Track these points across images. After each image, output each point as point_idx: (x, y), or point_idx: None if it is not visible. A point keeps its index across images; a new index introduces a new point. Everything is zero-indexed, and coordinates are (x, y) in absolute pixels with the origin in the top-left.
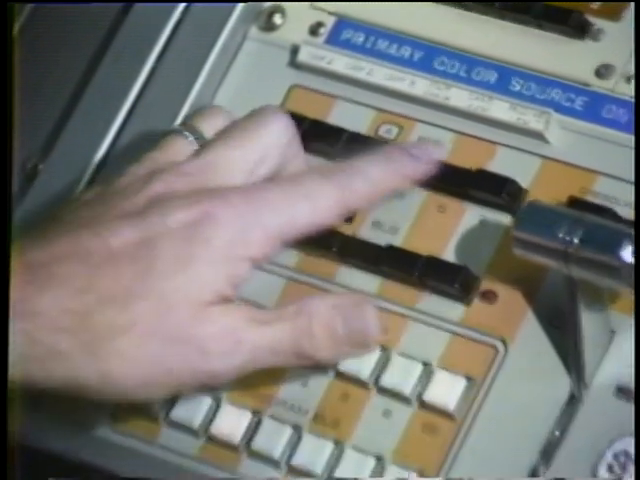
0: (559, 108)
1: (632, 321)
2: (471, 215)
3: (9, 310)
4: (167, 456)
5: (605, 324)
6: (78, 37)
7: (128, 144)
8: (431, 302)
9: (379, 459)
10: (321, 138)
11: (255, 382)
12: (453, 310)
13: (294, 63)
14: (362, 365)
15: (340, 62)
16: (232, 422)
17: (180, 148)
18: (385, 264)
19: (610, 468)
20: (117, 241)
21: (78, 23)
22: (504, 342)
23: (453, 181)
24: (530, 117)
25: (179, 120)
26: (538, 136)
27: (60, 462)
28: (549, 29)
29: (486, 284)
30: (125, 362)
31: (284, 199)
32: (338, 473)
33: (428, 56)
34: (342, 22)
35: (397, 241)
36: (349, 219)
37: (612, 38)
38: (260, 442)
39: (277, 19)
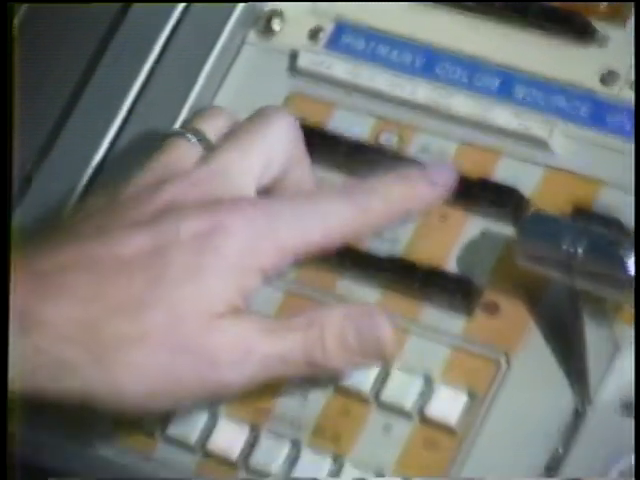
0: (563, 115)
1: (635, 333)
2: (473, 225)
3: (15, 320)
4: (163, 472)
5: (609, 338)
6: (75, 38)
7: (127, 146)
8: (432, 314)
9: (379, 475)
10: (320, 146)
11: (253, 396)
12: (455, 322)
13: (293, 69)
14: (362, 379)
15: (340, 68)
16: (229, 437)
17: (184, 152)
18: (385, 275)
19: None
20: (126, 250)
21: (76, 23)
22: (507, 356)
23: (455, 190)
24: (533, 124)
25: (178, 123)
26: (541, 144)
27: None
28: (553, 34)
29: (488, 296)
30: (134, 373)
31: (298, 213)
32: None
33: (429, 62)
34: (342, 27)
35: (397, 251)
36: None
37: (617, 44)
38: (258, 457)
39: (276, 24)
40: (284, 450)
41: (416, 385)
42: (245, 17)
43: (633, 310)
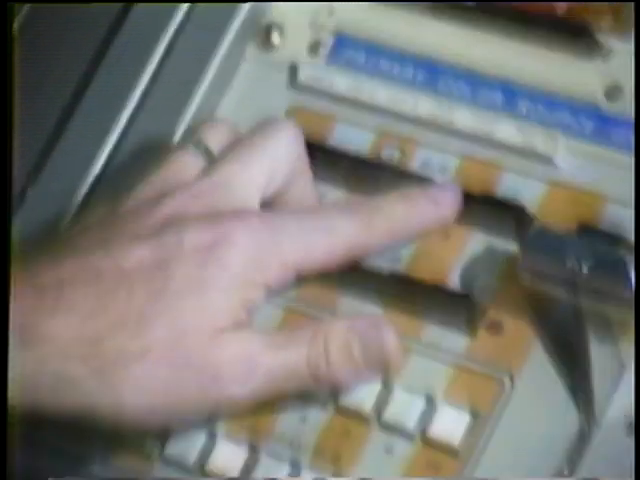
0: (567, 130)
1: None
2: (476, 241)
3: (15, 334)
4: None
5: (615, 357)
6: (73, 45)
7: (127, 158)
8: (434, 332)
9: None
10: (321, 161)
11: (252, 416)
12: (457, 340)
13: (293, 83)
14: (363, 399)
15: (341, 82)
16: (228, 458)
17: (186, 164)
18: (387, 292)
19: None
20: (129, 262)
21: (75, 28)
22: (510, 375)
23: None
24: (538, 139)
25: (178, 135)
26: (545, 159)
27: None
28: (557, 47)
29: (492, 313)
30: (136, 388)
31: (303, 229)
32: None
33: (432, 76)
34: (342, 40)
35: (399, 268)
36: None
37: (623, 57)
38: (257, 479)
39: (275, 37)
40: (284, 471)
41: (418, 405)
42: (244, 29)
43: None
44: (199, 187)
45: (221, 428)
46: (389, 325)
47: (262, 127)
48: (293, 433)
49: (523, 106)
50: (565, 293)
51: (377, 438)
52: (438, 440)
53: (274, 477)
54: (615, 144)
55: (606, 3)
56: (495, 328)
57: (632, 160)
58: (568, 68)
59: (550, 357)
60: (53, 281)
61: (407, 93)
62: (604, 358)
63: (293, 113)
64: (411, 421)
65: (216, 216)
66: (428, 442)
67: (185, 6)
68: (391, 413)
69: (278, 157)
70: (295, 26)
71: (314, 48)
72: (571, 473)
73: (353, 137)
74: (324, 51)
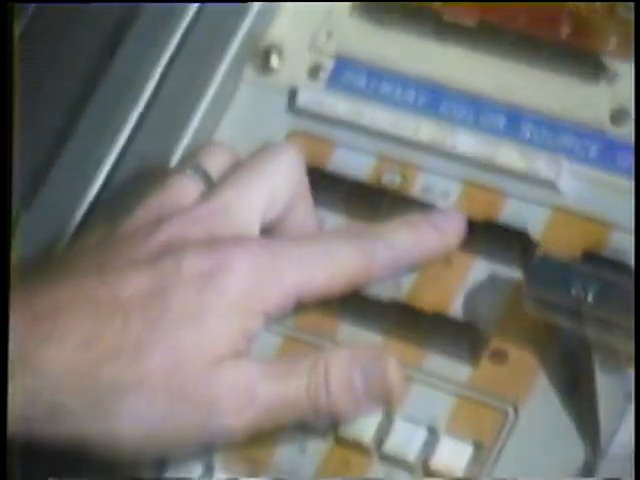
0: (572, 155)
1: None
2: (479, 268)
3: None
4: None
5: (622, 388)
6: (70, 66)
7: (124, 181)
8: (437, 362)
9: None
10: (320, 186)
11: (250, 447)
12: (460, 371)
13: (292, 107)
14: (363, 430)
15: (341, 107)
16: None
17: (186, 189)
18: (388, 320)
19: None
20: (126, 290)
21: (72, 47)
22: (514, 405)
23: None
24: (541, 164)
25: (175, 159)
26: (549, 185)
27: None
28: (562, 71)
29: (495, 342)
30: (132, 419)
31: (303, 256)
32: None
33: (433, 100)
34: (342, 64)
35: (400, 296)
36: None
37: (628, 81)
38: None
39: (274, 60)
40: None
41: (420, 436)
42: (243, 52)
43: None
44: (198, 212)
45: (218, 459)
46: (392, 356)
47: (262, 151)
48: (292, 464)
49: (527, 130)
50: (570, 322)
51: (377, 469)
52: (440, 472)
53: None
54: (620, 169)
55: (612, 27)
56: (499, 357)
57: (632, 184)
58: (573, 91)
59: (555, 387)
60: (48, 308)
61: (408, 117)
62: (610, 388)
63: (292, 137)
64: (412, 452)
65: (215, 242)
66: (430, 474)
67: (183, 28)
68: (392, 444)
69: (278, 182)
70: (294, 49)
71: (314, 71)
72: None
73: (353, 162)
74: (324, 75)
